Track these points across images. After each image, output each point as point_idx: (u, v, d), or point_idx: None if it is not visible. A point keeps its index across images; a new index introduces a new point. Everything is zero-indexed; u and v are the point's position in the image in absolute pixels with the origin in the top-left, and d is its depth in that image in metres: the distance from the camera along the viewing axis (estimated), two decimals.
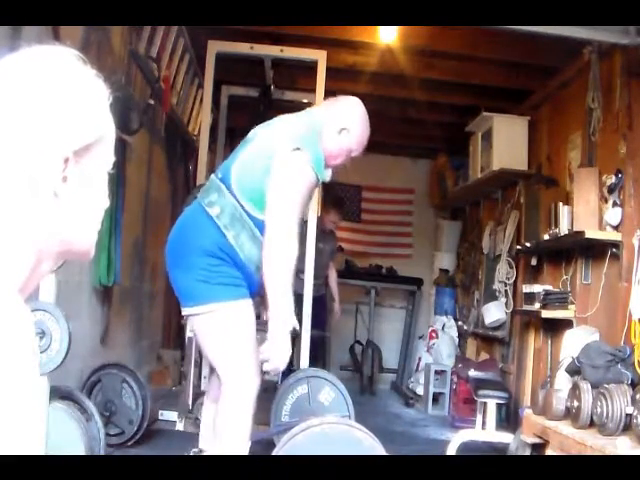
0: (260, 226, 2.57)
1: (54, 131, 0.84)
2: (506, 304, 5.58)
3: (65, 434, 2.96)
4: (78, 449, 2.99)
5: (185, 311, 2.66)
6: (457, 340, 7.00)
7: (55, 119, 0.84)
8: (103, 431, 3.26)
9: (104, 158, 0.91)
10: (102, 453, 3.20)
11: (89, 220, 0.92)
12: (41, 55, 0.87)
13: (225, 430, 2.59)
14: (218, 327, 2.59)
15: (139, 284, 5.41)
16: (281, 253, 2.49)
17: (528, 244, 4.86)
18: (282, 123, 2.74)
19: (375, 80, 5.61)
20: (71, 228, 0.89)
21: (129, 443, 3.82)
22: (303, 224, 4.73)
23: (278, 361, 2.50)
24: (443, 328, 7.11)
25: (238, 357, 2.57)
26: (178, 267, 2.64)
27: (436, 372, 6.40)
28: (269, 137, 2.67)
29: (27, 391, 0.76)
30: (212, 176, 2.77)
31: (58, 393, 3.11)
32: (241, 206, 2.58)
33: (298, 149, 2.55)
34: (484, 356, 6.15)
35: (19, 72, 0.85)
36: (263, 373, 2.69)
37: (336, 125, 2.73)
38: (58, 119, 0.84)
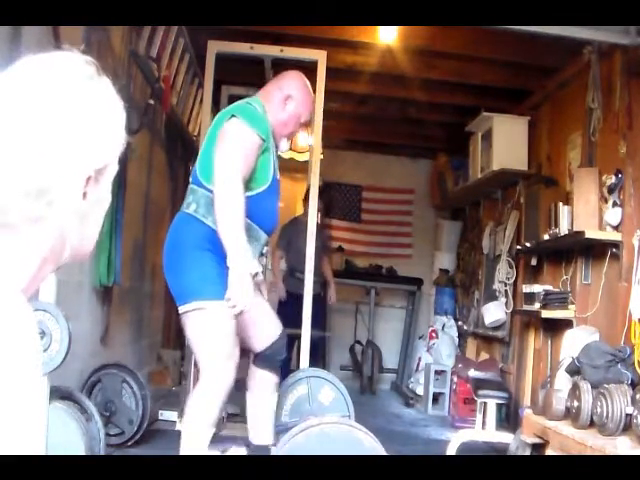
0: None
1: (80, 151, 0.85)
2: (506, 304, 5.58)
3: (65, 434, 2.96)
4: (78, 449, 2.99)
5: (180, 310, 2.83)
6: (457, 340, 7.00)
7: (81, 139, 0.85)
8: (103, 431, 3.27)
9: (114, 171, 0.93)
10: (102, 453, 3.20)
11: (96, 229, 0.94)
12: (64, 69, 0.87)
13: (194, 415, 2.76)
14: (198, 325, 2.76)
15: (139, 284, 5.41)
16: (226, 204, 2.62)
17: (528, 244, 4.86)
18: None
19: (375, 80, 5.61)
20: (81, 238, 0.91)
21: (129, 443, 3.83)
22: (298, 221, 4.70)
23: (240, 302, 2.61)
24: (443, 328, 7.11)
25: (218, 355, 2.73)
26: (170, 269, 2.85)
27: (436, 372, 6.39)
28: (213, 121, 2.93)
29: (28, 391, 0.76)
30: None
31: (58, 393, 3.11)
32: (211, 192, 2.74)
33: (233, 116, 2.76)
34: (484, 356, 6.15)
35: (42, 87, 0.85)
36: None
37: (280, 94, 2.94)
38: (84, 139, 0.85)
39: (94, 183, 0.88)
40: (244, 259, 2.61)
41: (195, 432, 2.73)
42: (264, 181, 2.86)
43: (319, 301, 5.96)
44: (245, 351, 2.95)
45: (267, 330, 2.97)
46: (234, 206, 2.62)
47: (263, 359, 3.00)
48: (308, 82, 3.06)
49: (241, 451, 3.03)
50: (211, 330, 2.73)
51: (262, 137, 2.77)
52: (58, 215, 0.85)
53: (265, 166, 2.85)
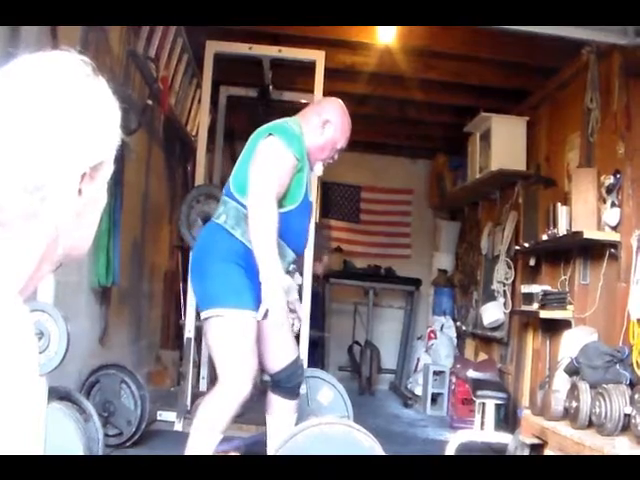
0: None
1: (76, 147, 0.85)
2: (504, 304, 5.58)
3: (64, 434, 2.96)
4: (77, 449, 2.98)
5: (201, 316, 2.87)
6: (455, 340, 7.00)
7: (77, 136, 0.85)
8: (102, 432, 3.27)
9: (110, 169, 0.93)
10: (100, 453, 3.20)
11: (92, 227, 0.94)
12: (60, 68, 0.87)
13: (203, 418, 2.76)
14: (221, 332, 2.79)
15: (138, 284, 5.40)
16: (260, 219, 2.68)
17: (526, 244, 4.86)
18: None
19: (374, 80, 5.61)
20: (76, 237, 0.91)
21: (127, 444, 3.82)
22: None
23: (275, 313, 2.65)
24: (442, 328, 7.11)
25: (235, 364, 2.75)
26: (195, 276, 2.91)
27: (435, 372, 6.39)
28: (251, 138, 2.93)
29: (26, 391, 0.76)
30: None
31: (56, 394, 3.11)
32: (242, 205, 2.79)
33: (270, 134, 2.80)
34: (482, 356, 6.15)
35: (39, 84, 0.85)
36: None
37: (318, 119, 2.94)
38: (80, 136, 0.86)
39: (89, 180, 0.88)
40: (276, 274, 2.65)
41: (203, 436, 2.73)
42: (295, 200, 2.87)
43: (316, 300, 5.95)
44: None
45: (284, 350, 2.91)
46: (267, 222, 2.66)
47: (278, 385, 2.94)
48: (346, 109, 3.06)
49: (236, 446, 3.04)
50: (229, 338, 2.76)
51: (297, 157, 2.80)
52: (52, 211, 0.84)
53: (298, 185, 2.87)
